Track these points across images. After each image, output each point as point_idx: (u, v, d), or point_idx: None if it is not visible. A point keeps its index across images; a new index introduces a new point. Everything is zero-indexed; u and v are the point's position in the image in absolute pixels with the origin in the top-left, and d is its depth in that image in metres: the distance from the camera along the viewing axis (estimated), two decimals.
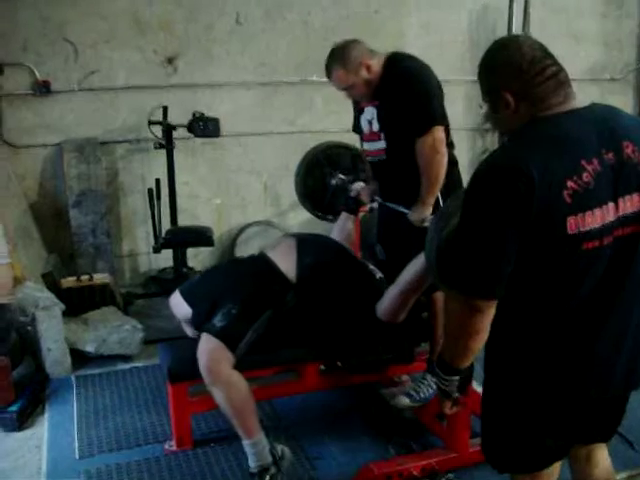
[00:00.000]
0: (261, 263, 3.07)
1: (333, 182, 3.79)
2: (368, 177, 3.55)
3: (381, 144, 3.16)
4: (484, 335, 1.75)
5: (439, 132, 3.01)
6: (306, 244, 3.14)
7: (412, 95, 2.99)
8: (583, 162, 1.61)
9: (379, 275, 3.20)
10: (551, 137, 1.66)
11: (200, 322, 2.91)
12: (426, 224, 2.86)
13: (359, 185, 3.57)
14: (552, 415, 1.84)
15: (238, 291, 2.91)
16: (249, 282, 2.97)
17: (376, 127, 3.15)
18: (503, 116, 1.78)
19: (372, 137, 3.20)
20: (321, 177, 3.86)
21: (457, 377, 1.91)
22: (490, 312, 1.71)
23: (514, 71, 1.71)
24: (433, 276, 2.48)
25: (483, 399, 2.00)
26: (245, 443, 2.76)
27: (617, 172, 1.65)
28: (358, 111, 3.29)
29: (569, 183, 1.59)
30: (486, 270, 1.65)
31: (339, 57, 3.06)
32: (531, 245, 1.62)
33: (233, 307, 2.82)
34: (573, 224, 1.60)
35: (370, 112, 3.18)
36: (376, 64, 3.07)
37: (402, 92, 3.00)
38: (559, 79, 1.71)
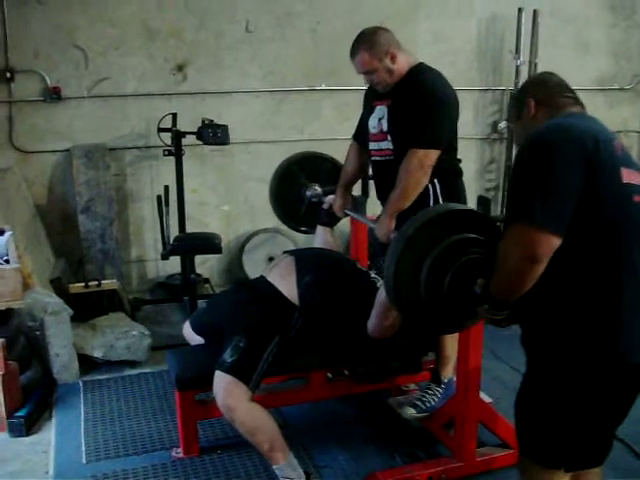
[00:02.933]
0: (263, 289, 3.06)
1: (308, 193, 3.74)
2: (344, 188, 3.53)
3: (389, 144, 3.15)
4: (534, 281, 1.82)
5: (433, 155, 2.98)
6: (304, 262, 3.13)
7: (427, 110, 2.97)
8: (614, 134, 1.96)
9: (380, 283, 3.18)
10: (585, 118, 2.03)
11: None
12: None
13: (332, 197, 3.54)
14: (612, 393, 1.89)
15: (244, 322, 2.91)
16: (253, 311, 2.96)
17: (385, 127, 3.14)
18: (523, 122, 2.12)
19: (380, 137, 3.19)
20: (296, 188, 3.78)
21: (508, 310, 1.97)
22: (547, 258, 1.78)
23: (541, 83, 2.15)
24: (391, 302, 2.34)
25: (532, 393, 2.03)
26: (274, 467, 2.80)
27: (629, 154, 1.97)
28: (369, 110, 3.28)
29: (614, 142, 1.91)
30: (560, 206, 1.79)
31: (366, 40, 3.06)
32: (594, 197, 1.82)
33: (241, 340, 2.82)
34: (625, 174, 1.86)
35: (381, 111, 3.16)
36: (402, 59, 3.07)
37: (419, 102, 2.99)
38: (577, 103, 2.09)
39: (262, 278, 3.16)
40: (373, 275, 3.23)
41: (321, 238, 3.60)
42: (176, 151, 4.83)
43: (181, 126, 4.85)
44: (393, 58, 3.04)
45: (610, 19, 6.27)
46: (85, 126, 5.07)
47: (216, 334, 3.00)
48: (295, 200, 3.77)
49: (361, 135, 3.39)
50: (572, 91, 2.10)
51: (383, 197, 3.33)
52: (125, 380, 3.90)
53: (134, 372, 4.00)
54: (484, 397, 3.18)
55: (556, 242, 1.77)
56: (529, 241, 1.77)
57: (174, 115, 4.86)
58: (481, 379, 2.88)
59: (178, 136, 4.81)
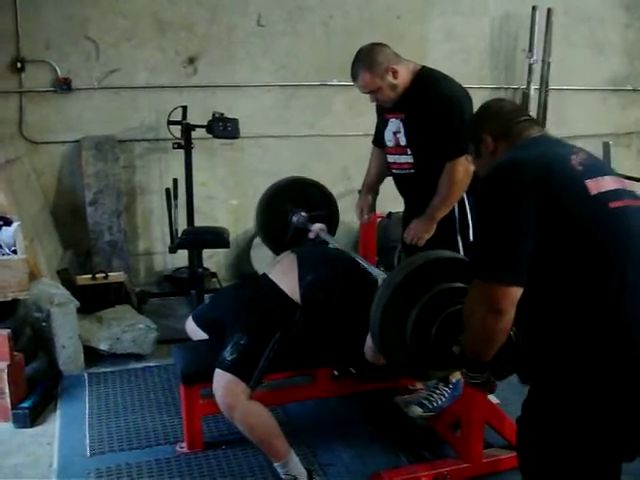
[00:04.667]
0: (265, 286, 3.04)
1: (294, 219, 3.68)
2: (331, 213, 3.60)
3: (408, 158, 3.14)
4: (505, 334, 1.80)
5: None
6: (306, 260, 3.10)
7: (449, 119, 2.97)
8: (574, 149, 1.91)
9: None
10: (541, 141, 1.96)
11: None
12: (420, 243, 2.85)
13: (318, 226, 3.52)
14: (617, 417, 1.79)
15: (245, 320, 2.90)
16: (254, 309, 2.94)
17: (403, 141, 3.13)
18: (484, 159, 2.06)
19: (398, 151, 3.17)
20: (282, 214, 3.71)
21: (488, 372, 1.94)
22: (512, 308, 1.75)
23: (494, 115, 2.07)
24: (377, 348, 2.38)
25: (531, 419, 1.94)
26: (275, 465, 2.79)
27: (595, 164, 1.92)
28: (382, 122, 3.26)
29: (572, 157, 1.85)
30: (514, 256, 1.74)
31: (365, 60, 3.02)
32: (567, 221, 1.75)
33: (241, 338, 2.81)
34: (592, 186, 1.79)
35: (396, 125, 3.15)
36: (404, 70, 3.04)
37: (439, 113, 2.98)
38: (533, 122, 2.04)
39: (264, 275, 3.14)
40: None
41: None
42: (186, 144, 4.81)
43: (191, 119, 4.83)
44: (395, 73, 3.02)
45: (624, 19, 6.24)
46: (95, 117, 5.05)
47: (218, 330, 2.99)
48: (281, 227, 3.72)
49: (379, 140, 3.38)
50: (526, 112, 2.09)
51: (412, 209, 3.31)
52: (130, 373, 3.89)
53: (140, 365, 3.99)
54: (491, 398, 3.16)
55: (517, 292, 1.74)
56: (490, 297, 1.74)
57: (184, 108, 4.84)
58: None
59: (188, 129, 4.79)
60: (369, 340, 2.88)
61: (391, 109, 3.16)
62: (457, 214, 3.11)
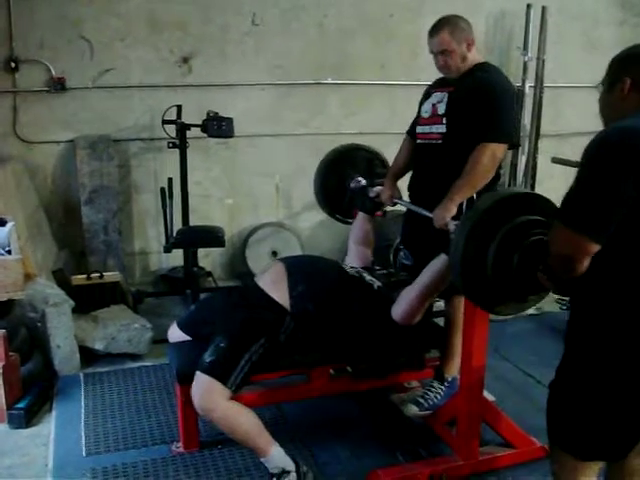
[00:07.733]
0: (254, 293, 3.03)
1: (353, 185, 3.72)
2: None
3: (440, 128, 3.14)
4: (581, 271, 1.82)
5: (504, 149, 3.03)
6: (296, 270, 3.08)
7: (494, 104, 3.01)
8: None
9: (377, 284, 3.13)
10: None
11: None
12: (451, 228, 2.82)
13: (379, 188, 3.53)
14: None
15: (227, 324, 2.89)
16: (239, 314, 2.93)
17: (442, 110, 3.15)
18: (613, 98, 1.99)
19: (432, 121, 3.19)
20: (341, 179, 3.76)
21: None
22: (585, 259, 1.77)
23: None
24: (456, 282, 2.46)
25: (569, 384, 1.99)
26: (262, 460, 2.78)
27: None
28: (425, 97, 3.32)
29: None
30: (601, 216, 1.75)
31: (450, 22, 3.16)
32: None
33: (222, 341, 2.80)
34: None
35: (439, 97, 3.19)
36: (475, 51, 3.17)
37: (488, 96, 3.02)
38: None
39: (254, 283, 3.13)
40: (368, 278, 3.17)
41: (360, 224, 3.62)
42: (180, 143, 4.80)
43: (186, 118, 4.82)
44: (469, 46, 3.13)
45: (619, 16, 6.23)
46: (89, 117, 5.05)
47: (204, 335, 2.96)
48: (339, 192, 3.79)
49: (414, 130, 3.39)
50: None
51: (415, 183, 3.36)
52: (126, 373, 3.89)
53: (135, 365, 3.99)
54: (487, 396, 3.16)
55: (592, 248, 1.75)
56: (564, 242, 1.78)
57: (179, 107, 4.84)
58: (485, 377, 2.86)
59: (183, 128, 4.78)
60: (397, 305, 2.93)
61: (443, 83, 3.24)
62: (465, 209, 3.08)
